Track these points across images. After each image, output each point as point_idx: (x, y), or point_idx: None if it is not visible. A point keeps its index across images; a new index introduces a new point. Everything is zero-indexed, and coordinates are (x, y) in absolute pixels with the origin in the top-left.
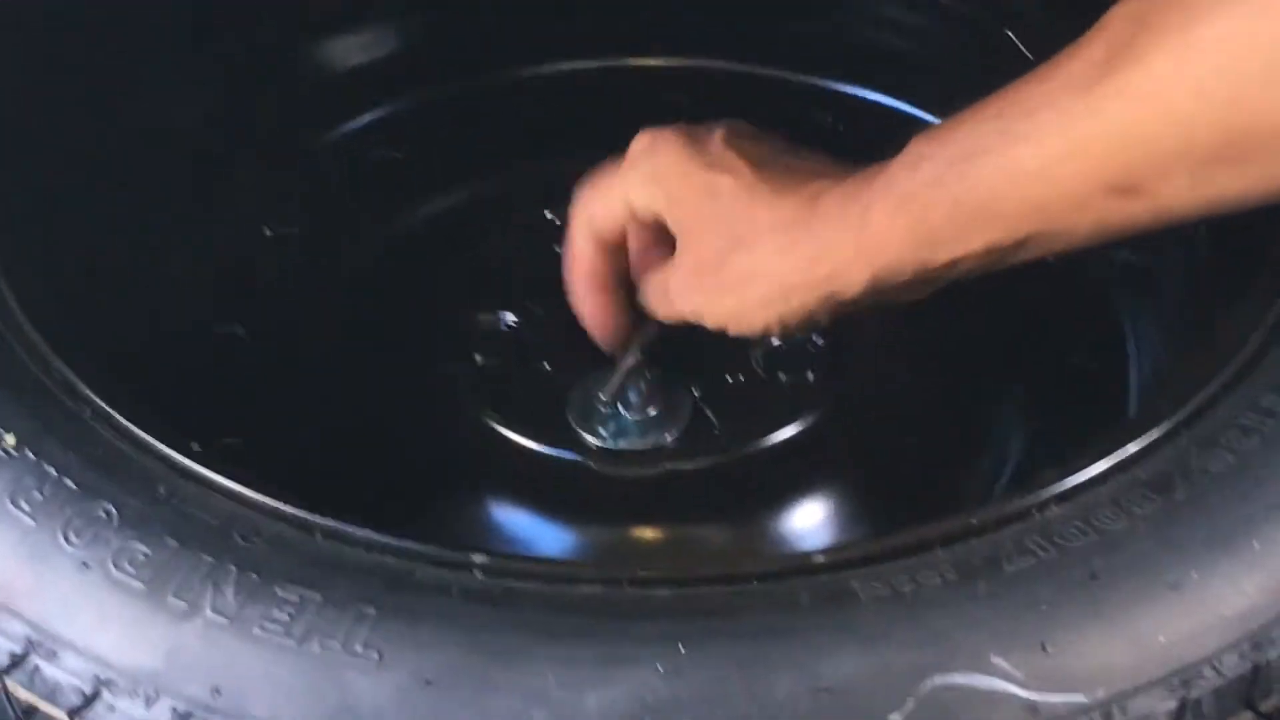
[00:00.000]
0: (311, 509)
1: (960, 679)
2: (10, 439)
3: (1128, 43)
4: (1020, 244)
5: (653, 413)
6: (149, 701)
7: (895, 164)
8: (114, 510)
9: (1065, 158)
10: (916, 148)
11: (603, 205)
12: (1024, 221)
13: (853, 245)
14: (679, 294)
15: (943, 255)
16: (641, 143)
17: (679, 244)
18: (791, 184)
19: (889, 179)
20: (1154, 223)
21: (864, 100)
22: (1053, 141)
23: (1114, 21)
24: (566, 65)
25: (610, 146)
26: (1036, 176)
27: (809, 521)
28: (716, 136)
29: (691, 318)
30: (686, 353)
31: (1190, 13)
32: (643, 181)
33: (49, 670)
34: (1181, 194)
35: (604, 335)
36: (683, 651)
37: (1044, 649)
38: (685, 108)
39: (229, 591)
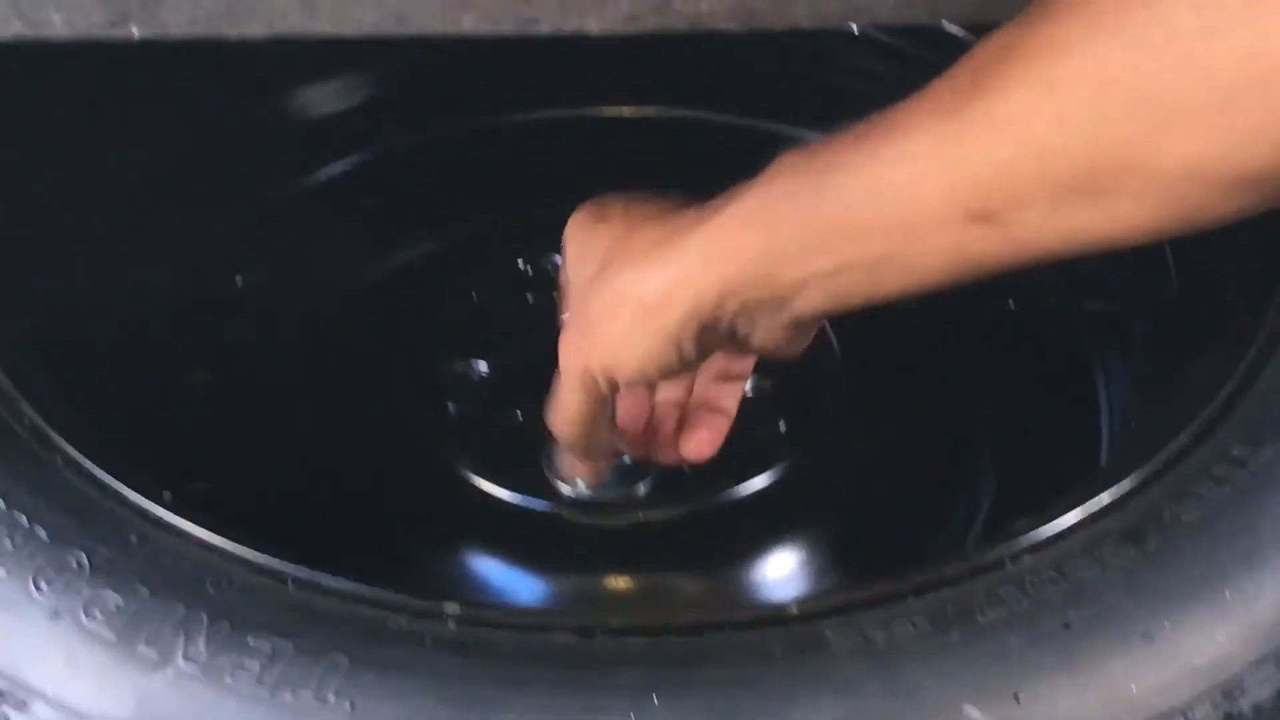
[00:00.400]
0: (284, 558)
1: None
2: None
3: (993, 71)
4: (871, 266)
5: (625, 462)
6: None
7: (757, 178)
8: (85, 559)
9: (923, 179)
10: (781, 161)
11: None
12: (876, 241)
13: (702, 256)
14: (569, 351)
15: (790, 271)
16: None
17: (568, 308)
18: (658, 218)
19: (746, 191)
20: (1013, 257)
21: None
22: (912, 163)
23: (982, 51)
24: (539, 114)
25: (583, 194)
26: (892, 195)
27: (782, 571)
28: (618, 203)
29: (584, 373)
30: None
31: (1055, 44)
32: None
33: None
34: (1039, 226)
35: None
36: (656, 702)
37: (1016, 699)
38: (656, 156)
39: (200, 640)
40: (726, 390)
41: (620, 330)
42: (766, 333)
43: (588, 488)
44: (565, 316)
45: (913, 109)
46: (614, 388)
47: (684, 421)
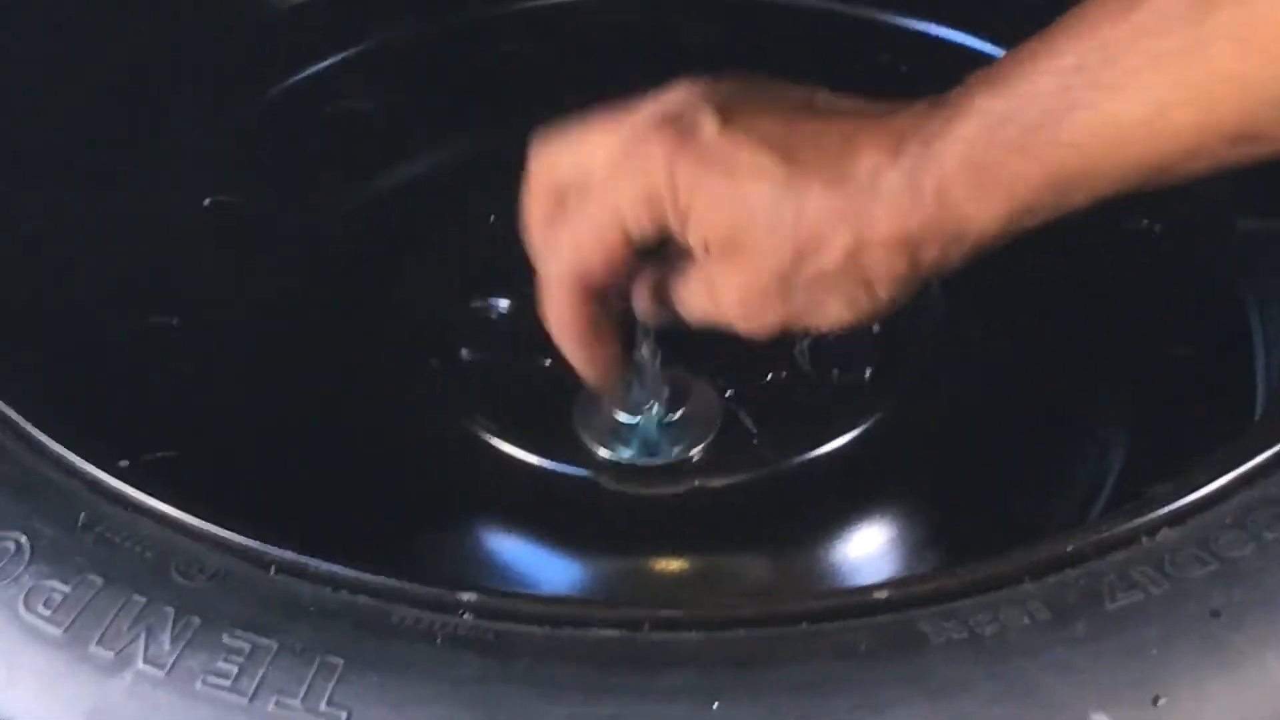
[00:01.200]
0: (265, 538)
1: None
2: None
3: None
4: (1126, 192)
5: (676, 419)
6: None
7: (960, 124)
8: (25, 541)
9: (1175, 108)
10: (983, 103)
11: (591, 248)
12: (1129, 178)
13: (930, 226)
14: (753, 316)
15: (1034, 221)
16: (609, 155)
17: (732, 261)
18: (832, 160)
19: (961, 147)
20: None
21: (927, 36)
22: (1154, 93)
23: None
24: None
25: (628, 91)
26: (1143, 134)
27: (867, 550)
28: (707, 129)
29: (797, 329)
30: (716, 345)
31: None
32: (641, 209)
33: None
34: None
35: (602, 384)
36: (716, 709)
37: (1155, 703)
38: (711, 44)
39: (164, 639)
40: None
41: (835, 301)
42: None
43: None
44: (724, 278)
45: (1126, 22)
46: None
47: None
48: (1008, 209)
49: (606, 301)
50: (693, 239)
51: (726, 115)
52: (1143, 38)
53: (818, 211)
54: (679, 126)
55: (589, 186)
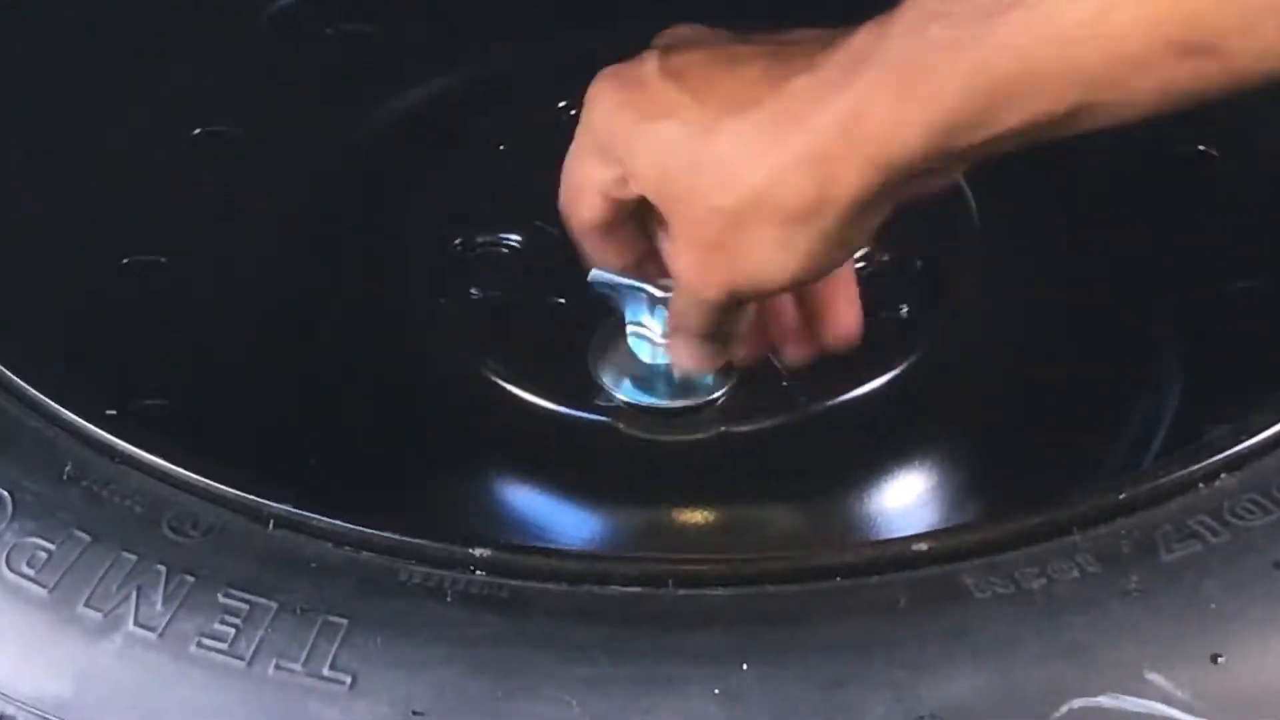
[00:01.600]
0: (263, 490)
1: (1107, 702)
2: None
3: None
4: (1066, 117)
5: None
6: None
7: (894, 28)
8: (7, 496)
9: (1116, 9)
10: (919, 3)
11: (577, 209)
12: (1068, 91)
13: (849, 141)
14: (697, 275)
15: (966, 139)
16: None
17: (668, 220)
18: (751, 93)
19: (887, 50)
20: (1232, 88)
21: None
22: None
23: None
24: None
25: (644, 21)
26: (1083, 35)
27: (905, 499)
28: (651, 69)
29: (721, 294)
30: None
31: None
32: (597, 160)
33: None
34: (1267, 50)
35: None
36: (746, 670)
37: (1214, 661)
38: None
39: (157, 599)
40: None
41: (767, 245)
42: (930, 189)
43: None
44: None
45: None
46: (763, 297)
47: (807, 299)
48: (930, 119)
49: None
50: (642, 191)
51: (665, 61)
52: None
53: (728, 144)
54: (626, 78)
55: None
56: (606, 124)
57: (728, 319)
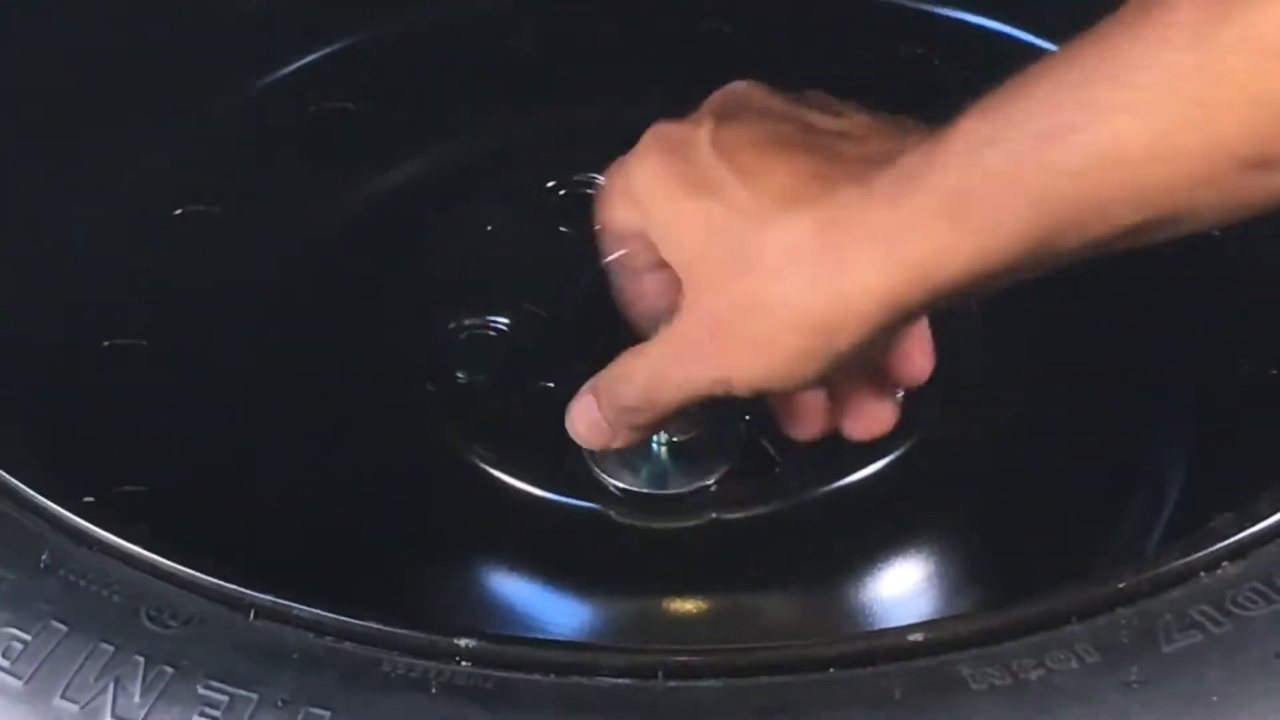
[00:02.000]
0: (243, 579)
1: None
2: None
3: None
4: (1118, 237)
5: (691, 444)
6: None
7: (945, 151)
8: None
9: (1181, 130)
10: (974, 127)
11: (611, 222)
12: (1130, 211)
13: (891, 261)
14: (696, 358)
15: (1019, 266)
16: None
17: (684, 292)
18: (804, 192)
19: (939, 173)
20: None
21: (962, 24)
22: (1163, 111)
23: None
24: None
25: (634, 92)
26: (1145, 156)
27: (900, 588)
28: (703, 139)
29: (718, 387)
30: None
31: None
32: (624, 207)
33: None
34: None
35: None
36: None
37: None
38: (730, 40)
39: (135, 690)
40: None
41: (772, 350)
42: (971, 300)
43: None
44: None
45: (1138, 36)
46: (750, 398)
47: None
48: (986, 248)
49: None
50: (668, 260)
51: (720, 134)
52: (1151, 50)
53: (773, 239)
54: (676, 142)
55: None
56: (648, 188)
57: (687, 410)
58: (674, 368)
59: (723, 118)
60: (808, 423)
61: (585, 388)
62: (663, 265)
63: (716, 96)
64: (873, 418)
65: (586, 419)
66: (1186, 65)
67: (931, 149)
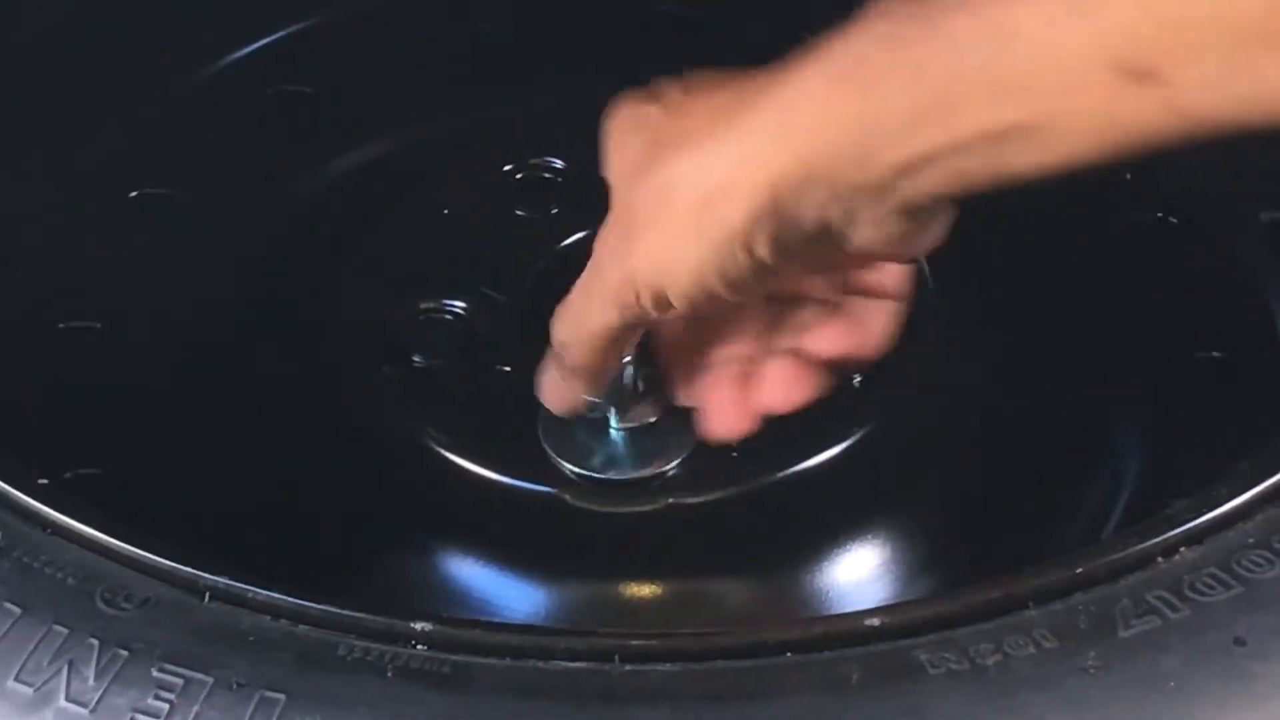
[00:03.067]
0: (198, 562)
1: None
2: None
3: None
4: (998, 138)
5: (649, 429)
6: None
7: (842, 34)
8: None
9: (1062, 23)
10: (875, 6)
11: None
12: (1003, 104)
13: (776, 128)
14: (605, 255)
15: (895, 146)
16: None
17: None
18: (722, 88)
19: (834, 46)
20: (1176, 129)
21: None
22: (1049, 3)
23: None
24: None
25: (592, 75)
26: (1024, 45)
27: (857, 573)
28: (654, 110)
29: (623, 282)
30: None
31: None
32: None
33: None
34: (1213, 86)
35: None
36: None
37: None
38: (688, 22)
39: (89, 673)
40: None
41: (672, 228)
42: (870, 228)
43: (564, 414)
44: (608, 219)
45: None
46: (662, 307)
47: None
48: (861, 113)
49: None
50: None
51: (689, 86)
52: None
53: (681, 123)
54: (636, 106)
55: None
56: (613, 146)
57: (618, 347)
58: (592, 282)
59: (683, 89)
60: (723, 413)
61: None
62: None
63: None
64: (789, 385)
65: (547, 382)
66: None
67: (838, 32)
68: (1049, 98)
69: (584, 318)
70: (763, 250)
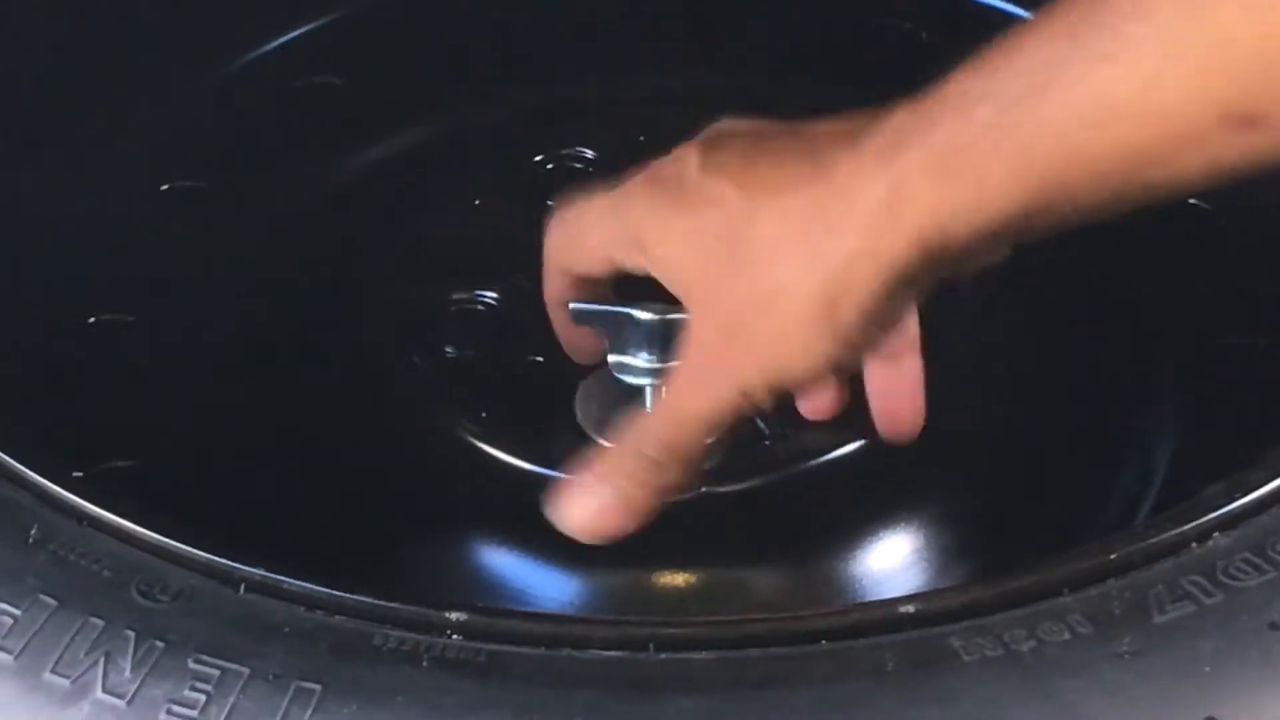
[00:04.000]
0: (233, 554)
1: None
2: None
3: None
4: (1103, 191)
5: None
6: None
7: (936, 108)
8: None
9: (1168, 81)
10: (964, 83)
11: (580, 257)
12: (1113, 167)
13: (889, 228)
14: (711, 377)
15: (1005, 214)
16: (600, 200)
17: (693, 318)
18: (794, 176)
19: (929, 129)
20: (1275, 158)
21: None
22: (1149, 61)
23: None
24: None
25: (623, 65)
26: (1129, 114)
27: (892, 560)
28: (691, 163)
29: (739, 400)
30: None
31: None
32: (621, 246)
33: None
34: None
35: (581, 357)
36: None
37: None
38: (715, 13)
39: (125, 665)
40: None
41: (791, 331)
42: (967, 269)
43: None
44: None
45: None
46: (778, 397)
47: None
48: (978, 204)
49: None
50: (674, 291)
51: (707, 155)
52: (1143, 2)
53: (768, 228)
54: (663, 175)
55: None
56: (640, 221)
57: (715, 437)
58: (691, 398)
59: (708, 145)
60: (819, 396)
61: (570, 482)
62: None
63: (703, 133)
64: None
65: (591, 505)
66: (1174, 15)
67: (921, 107)
68: (1161, 159)
69: (683, 433)
70: (889, 319)
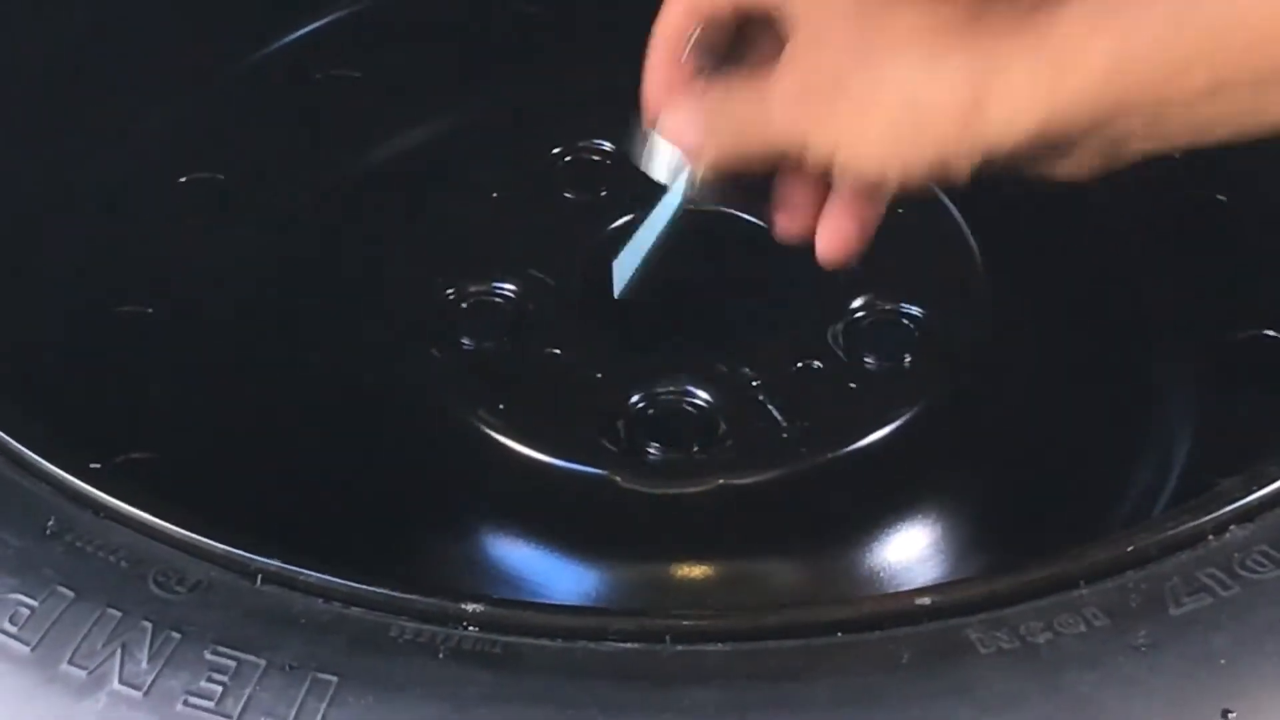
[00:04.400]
0: (250, 545)
1: None
2: None
3: None
4: (1256, 85)
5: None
6: None
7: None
8: None
9: None
10: None
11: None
12: (1259, 53)
13: (1027, 67)
14: (780, 111)
15: (1149, 95)
16: None
17: (789, 49)
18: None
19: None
20: None
21: None
22: None
23: None
24: None
25: (639, 57)
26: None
27: (908, 553)
28: None
29: (789, 145)
30: (741, 328)
31: None
32: None
33: None
34: None
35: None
36: None
37: (1225, 717)
38: None
39: (142, 656)
40: None
41: (875, 127)
42: (1075, 165)
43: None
44: (777, 68)
45: None
46: (818, 169)
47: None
48: (1118, 63)
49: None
50: (783, 15)
51: None
52: None
53: (902, 15)
54: None
55: None
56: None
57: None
58: (757, 116)
59: None
60: (794, 214)
61: (693, 105)
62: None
63: None
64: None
65: (687, 119)
66: None
67: None
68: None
69: (744, 139)
70: (960, 172)
